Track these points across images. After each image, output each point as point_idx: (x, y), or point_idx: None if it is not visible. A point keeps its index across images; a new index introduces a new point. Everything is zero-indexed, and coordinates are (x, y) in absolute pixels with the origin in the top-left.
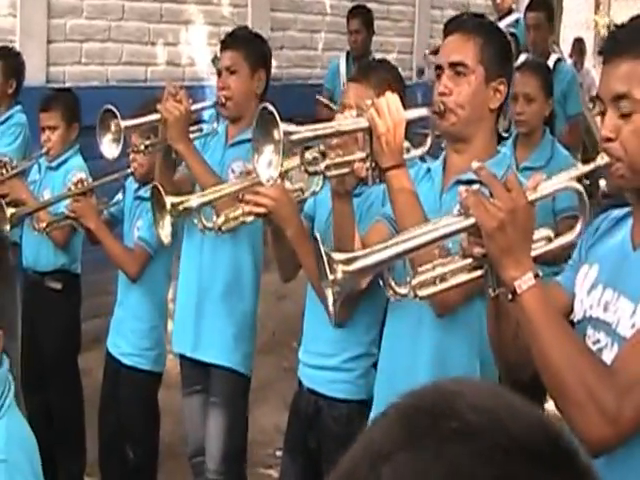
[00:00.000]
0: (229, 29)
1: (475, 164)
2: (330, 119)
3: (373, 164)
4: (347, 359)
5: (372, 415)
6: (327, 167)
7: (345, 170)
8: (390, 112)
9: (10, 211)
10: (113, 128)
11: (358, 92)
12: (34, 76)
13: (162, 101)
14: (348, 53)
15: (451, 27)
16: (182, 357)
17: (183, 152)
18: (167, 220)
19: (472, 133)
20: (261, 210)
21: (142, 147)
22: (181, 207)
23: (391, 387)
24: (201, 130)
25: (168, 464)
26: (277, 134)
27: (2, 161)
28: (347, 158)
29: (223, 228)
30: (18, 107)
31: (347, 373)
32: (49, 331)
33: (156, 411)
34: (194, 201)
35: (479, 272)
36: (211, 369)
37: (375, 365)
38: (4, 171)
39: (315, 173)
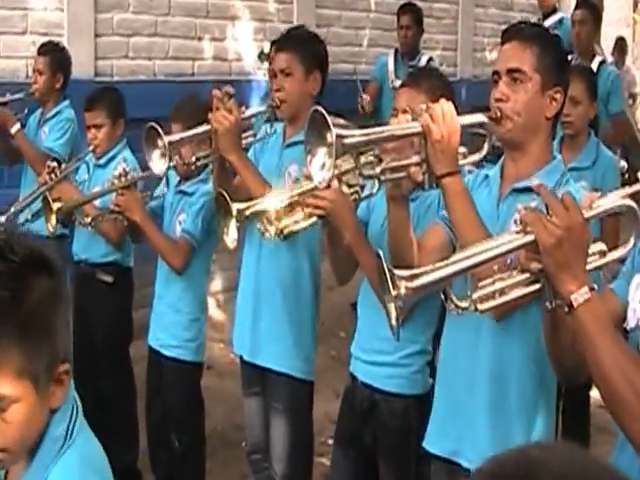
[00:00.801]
0: (275, 25)
1: (535, 181)
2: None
3: (429, 169)
4: (404, 356)
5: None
6: (382, 171)
7: (401, 174)
8: (445, 119)
9: (56, 205)
10: (160, 143)
11: (410, 97)
12: (82, 70)
13: (212, 111)
14: (396, 50)
15: (509, 35)
16: (241, 358)
17: (235, 163)
18: (232, 225)
19: (528, 140)
20: (319, 212)
21: (193, 159)
22: (247, 213)
23: (452, 394)
24: (255, 135)
25: (221, 452)
26: (329, 137)
27: (50, 166)
28: (402, 162)
29: (285, 232)
30: (66, 102)
31: (404, 369)
32: (100, 322)
33: (200, 399)
34: (259, 206)
35: (537, 286)
36: (269, 374)
37: (429, 363)
38: (53, 176)
39: (370, 177)
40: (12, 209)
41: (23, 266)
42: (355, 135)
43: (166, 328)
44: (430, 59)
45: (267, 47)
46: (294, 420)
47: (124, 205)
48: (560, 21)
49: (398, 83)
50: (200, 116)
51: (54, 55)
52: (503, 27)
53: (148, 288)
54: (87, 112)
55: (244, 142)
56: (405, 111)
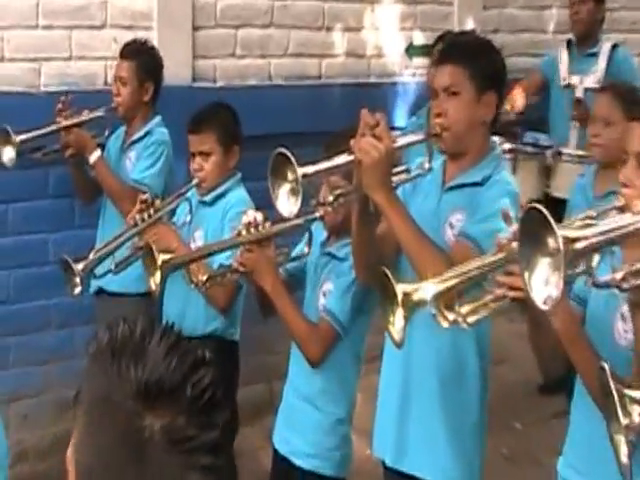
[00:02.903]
0: (428, 9)
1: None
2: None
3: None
4: None
5: None
6: (624, 277)
7: None
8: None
9: (162, 258)
10: (290, 176)
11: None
12: (177, 73)
13: (356, 136)
14: (569, 41)
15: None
16: (384, 464)
17: (383, 205)
18: (399, 314)
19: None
20: (519, 295)
21: (330, 199)
22: (415, 297)
23: None
24: (408, 171)
25: None
26: (552, 241)
27: (146, 201)
28: None
29: (469, 320)
30: (157, 119)
31: None
32: None
33: None
34: (431, 289)
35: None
36: None
37: None
38: (145, 216)
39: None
40: (91, 256)
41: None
42: (587, 237)
43: (301, 431)
44: (615, 45)
45: (418, 38)
46: None
47: (252, 266)
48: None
49: (575, 80)
50: (336, 143)
51: (141, 58)
52: None
53: (260, 356)
54: (192, 135)
55: (394, 179)
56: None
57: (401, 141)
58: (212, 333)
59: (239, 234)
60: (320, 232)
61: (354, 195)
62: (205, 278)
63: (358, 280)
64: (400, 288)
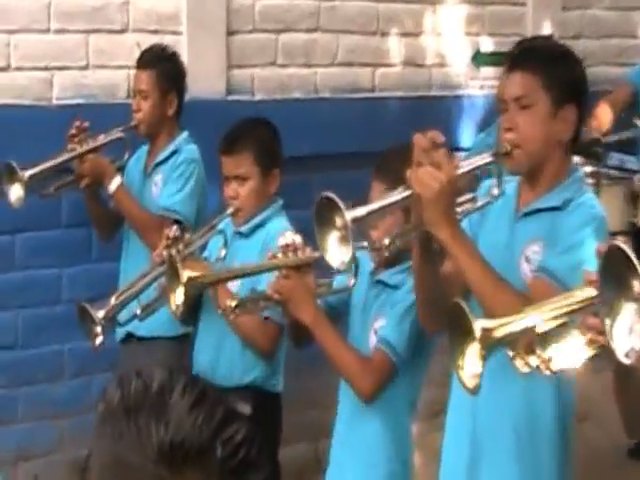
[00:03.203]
0: (498, 10)
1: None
2: None
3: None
4: None
5: None
6: None
7: None
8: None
9: (187, 274)
10: (338, 223)
11: None
12: (209, 85)
13: (413, 165)
14: None
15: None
16: None
17: (447, 241)
18: (474, 355)
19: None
20: (599, 340)
21: (386, 242)
22: (498, 334)
23: None
24: (474, 200)
25: None
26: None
27: (170, 234)
28: None
29: (553, 366)
30: (184, 135)
31: None
32: None
33: None
34: (516, 325)
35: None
36: None
37: None
38: (180, 247)
39: None
40: (112, 301)
41: None
42: None
43: None
44: None
45: (486, 44)
46: None
47: (288, 294)
48: None
49: None
50: (392, 163)
51: (161, 66)
52: None
53: (303, 413)
54: (225, 156)
55: (459, 210)
56: None
57: (465, 166)
58: (251, 383)
59: (275, 257)
60: (367, 260)
61: (414, 233)
62: (234, 304)
63: (421, 325)
64: (479, 324)
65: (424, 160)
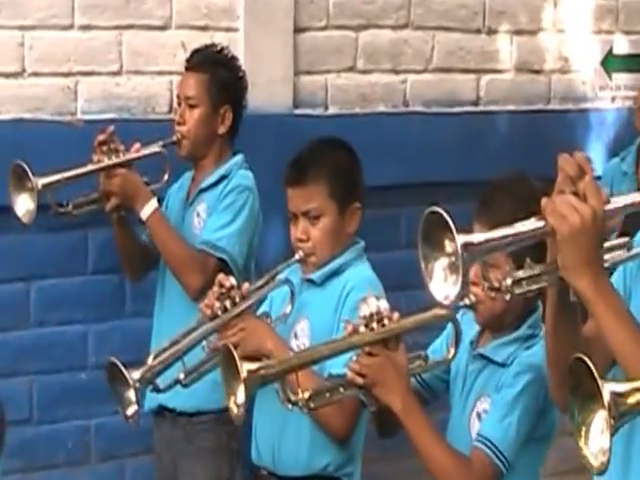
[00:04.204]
0: (633, 1)
1: None
2: None
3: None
4: None
5: None
6: None
7: None
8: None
9: (247, 367)
10: (448, 247)
11: None
12: (272, 95)
13: (552, 195)
14: None
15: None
16: None
17: (587, 294)
18: (600, 425)
19: None
20: None
21: (509, 282)
22: (632, 400)
23: None
24: (629, 247)
25: None
26: None
27: (231, 287)
28: None
29: None
30: (237, 159)
31: None
32: None
33: None
34: None
35: None
36: None
37: None
38: (236, 299)
39: None
40: (150, 361)
41: None
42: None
43: None
44: None
45: (620, 45)
46: None
47: (374, 376)
48: None
49: None
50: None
51: (217, 71)
52: None
53: None
54: (292, 188)
55: (607, 257)
56: None
57: (620, 202)
58: (321, 473)
59: (356, 331)
60: (467, 325)
61: (546, 278)
62: (308, 395)
63: (554, 400)
64: (608, 388)
65: (567, 189)
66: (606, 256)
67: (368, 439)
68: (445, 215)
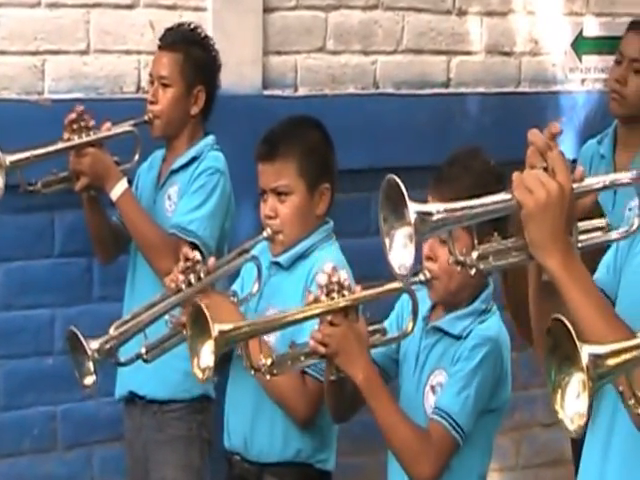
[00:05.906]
0: None
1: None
2: None
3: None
4: None
5: None
6: None
7: None
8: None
9: (218, 328)
10: (407, 216)
11: None
12: (241, 75)
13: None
14: None
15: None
16: None
17: (556, 272)
18: (579, 386)
19: None
20: None
21: (474, 255)
22: (612, 362)
23: None
24: (606, 229)
25: None
26: None
27: (189, 259)
28: None
29: None
30: (209, 139)
31: None
32: None
33: None
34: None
35: None
36: None
37: None
38: (192, 278)
39: None
40: (111, 331)
41: None
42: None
43: None
44: None
45: (591, 27)
46: None
47: (336, 346)
48: None
49: None
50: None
51: (190, 50)
52: None
53: None
54: (262, 164)
55: (582, 238)
56: None
57: (593, 181)
58: (293, 459)
59: (317, 300)
60: (423, 300)
61: (515, 254)
62: (270, 362)
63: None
64: (587, 349)
65: (538, 164)
66: (582, 236)
67: (341, 432)
68: (400, 183)
